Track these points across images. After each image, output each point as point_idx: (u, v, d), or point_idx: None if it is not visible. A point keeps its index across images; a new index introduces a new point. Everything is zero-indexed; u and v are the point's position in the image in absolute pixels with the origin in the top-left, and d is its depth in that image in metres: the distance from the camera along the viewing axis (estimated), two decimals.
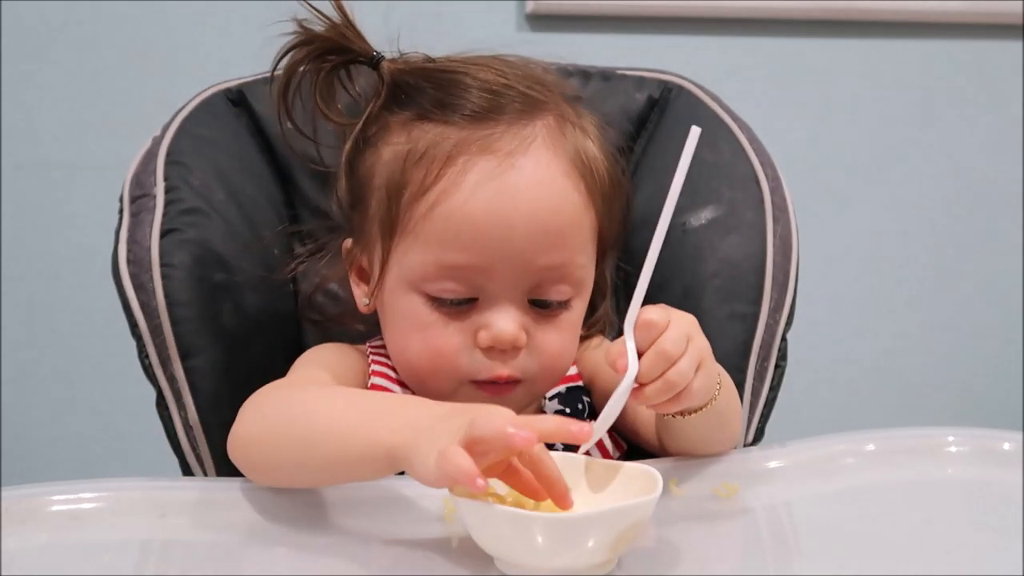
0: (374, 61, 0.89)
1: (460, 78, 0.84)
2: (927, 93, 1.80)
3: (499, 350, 0.82)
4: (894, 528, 0.74)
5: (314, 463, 0.73)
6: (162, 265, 0.88)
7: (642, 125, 1.07)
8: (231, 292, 0.91)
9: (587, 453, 0.85)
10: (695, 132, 0.71)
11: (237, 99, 1.03)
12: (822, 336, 1.80)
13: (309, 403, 0.76)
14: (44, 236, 1.61)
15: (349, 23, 0.88)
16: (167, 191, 0.92)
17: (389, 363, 0.90)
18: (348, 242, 0.91)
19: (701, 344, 0.74)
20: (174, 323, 0.88)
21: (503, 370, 0.82)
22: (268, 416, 0.77)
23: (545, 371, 0.85)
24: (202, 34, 1.59)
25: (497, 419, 0.62)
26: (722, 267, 0.95)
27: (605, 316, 0.97)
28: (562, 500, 0.65)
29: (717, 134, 1.02)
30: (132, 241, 0.90)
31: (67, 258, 1.61)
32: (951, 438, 0.87)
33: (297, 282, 1.02)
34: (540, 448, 0.65)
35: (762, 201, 0.98)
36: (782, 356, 0.97)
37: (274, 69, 0.91)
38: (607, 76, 1.08)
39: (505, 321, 0.81)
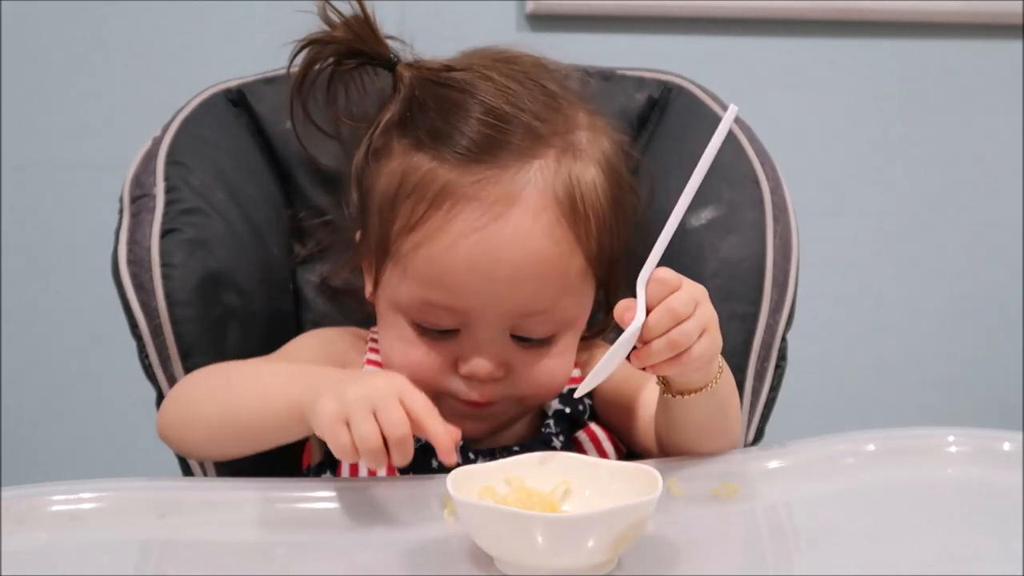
0: (390, 64, 0.88)
1: (467, 100, 0.82)
2: (927, 93, 1.79)
3: (481, 379, 0.83)
4: (894, 528, 0.74)
5: (233, 430, 0.78)
6: (162, 265, 0.89)
7: (642, 125, 1.07)
8: (231, 292, 0.91)
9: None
10: (733, 109, 0.72)
11: (237, 99, 1.03)
12: (822, 336, 1.80)
13: (228, 374, 0.82)
14: (44, 236, 1.61)
15: (369, 24, 0.88)
16: (167, 191, 0.92)
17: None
18: (360, 235, 0.91)
19: (708, 312, 0.74)
20: (174, 323, 0.88)
21: (478, 397, 0.83)
22: (192, 393, 0.83)
23: (532, 393, 0.85)
24: (202, 34, 1.59)
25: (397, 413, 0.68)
26: (722, 267, 0.95)
27: (607, 328, 0.96)
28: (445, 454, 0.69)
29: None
30: (132, 241, 0.90)
31: (67, 258, 1.61)
32: (951, 438, 0.87)
33: (297, 281, 1.02)
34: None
35: (762, 201, 0.98)
36: (782, 356, 0.97)
37: (290, 65, 0.91)
38: (607, 76, 1.07)
39: (482, 357, 0.82)
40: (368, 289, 0.90)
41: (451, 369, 0.83)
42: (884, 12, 1.73)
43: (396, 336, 0.84)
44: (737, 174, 0.99)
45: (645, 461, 0.85)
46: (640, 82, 1.08)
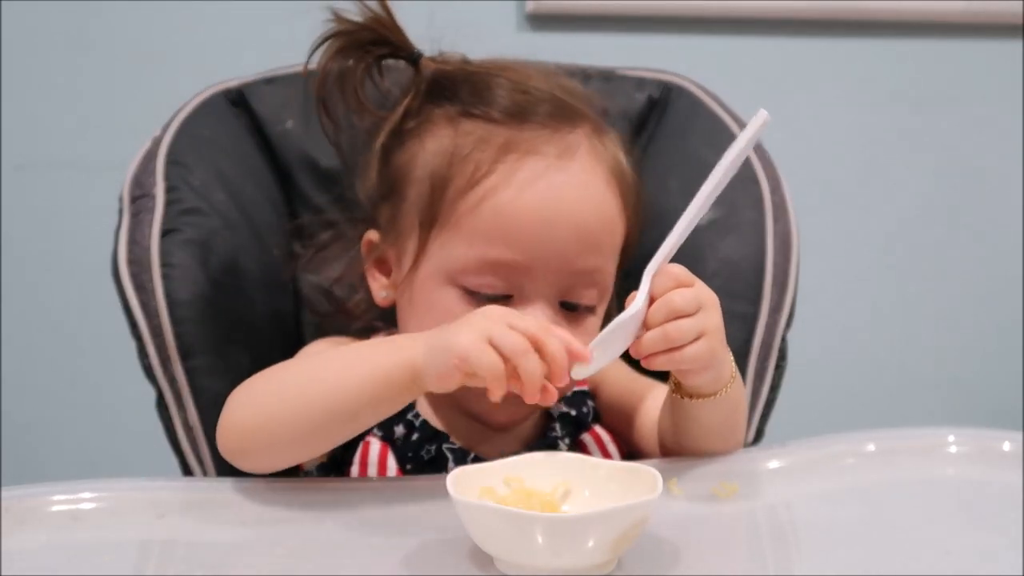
0: (414, 57, 0.89)
1: (497, 80, 0.86)
2: (927, 93, 1.79)
3: None
4: (894, 528, 0.74)
5: (332, 413, 0.73)
6: (162, 265, 0.89)
7: (642, 125, 1.07)
8: (231, 292, 0.91)
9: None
10: (762, 115, 0.73)
11: (237, 99, 1.03)
12: (822, 336, 1.80)
13: (306, 367, 0.78)
14: (44, 236, 1.61)
15: (390, 16, 0.88)
16: (167, 191, 0.92)
17: None
18: (372, 234, 0.91)
19: (712, 318, 0.75)
20: (174, 323, 0.88)
21: None
22: (266, 393, 0.77)
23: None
24: (202, 34, 1.59)
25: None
26: (722, 267, 0.95)
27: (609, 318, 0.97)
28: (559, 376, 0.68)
29: (717, 134, 1.03)
30: (132, 241, 0.90)
31: (67, 258, 1.61)
32: (951, 438, 0.87)
33: (297, 282, 1.02)
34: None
35: (762, 201, 0.98)
36: (782, 356, 0.97)
37: (309, 58, 0.90)
38: (607, 76, 1.08)
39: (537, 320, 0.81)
40: (377, 292, 0.90)
41: None
42: (884, 12, 1.73)
43: (440, 316, 0.82)
44: (737, 174, 0.99)
45: (645, 461, 0.85)
46: (640, 82, 1.08)
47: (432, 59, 0.89)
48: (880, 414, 1.84)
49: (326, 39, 0.88)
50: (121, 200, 0.93)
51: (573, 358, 0.69)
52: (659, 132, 1.06)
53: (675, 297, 0.73)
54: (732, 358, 0.80)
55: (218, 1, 1.58)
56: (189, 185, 0.93)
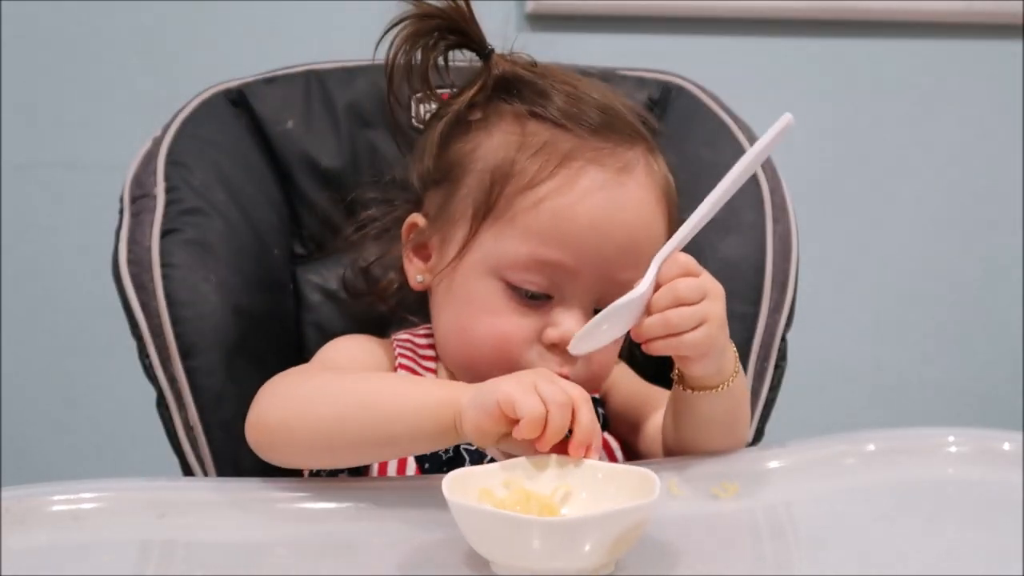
0: (486, 52, 0.90)
1: (565, 88, 0.87)
2: (927, 93, 1.79)
3: (562, 348, 0.82)
4: (894, 528, 0.74)
5: (369, 434, 0.74)
6: (162, 265, 0.88)
7: None
8: (231, 292, 0.91)
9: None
10: (786, 117, 0.76)
11: (237, 99, 1.03)
12: (822, 336, 1.80)
13: (354, 379, 0.79)
14: (44, 236, 1.61)
15: (468, 9, 0.89)
16: (167, 191, 0.92)
17: (417, 356, 0.90)
18: (416, 218, 0.91)
19: (715, 309, 0.76)
20: (174, 323, 0.88)
21: (564, 368, 0.83)
22: (293, 396, 0.78)
23: (592, 379, 0.85)
24: (202, 34, 1.59)
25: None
26: (722, 267, 0.94)
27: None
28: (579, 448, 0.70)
29: (717, 134, 1.03)
30: (132, 241, 0.90)
31: (67, 258, 1.61)
32: (951, 438, 0.87)
33: (297, 282, 1.02)
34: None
35: (762, 201, 0.98)
36: (782, 356, 0.97)
37: (381, 37, 0.90)
38: (607, 76, 1.07)
39: (575, 322, 0.82)
40: (412, 276, 0.90)
41: (535, 340, 0.83)
42: (884, 12, 1.73)
43: (480, 308, 0.84)
44: None
45: (645, 462, 0.85)
46: (640, 82, 1.08)
47: (503, 56, 0.90)
48: (880, 414, 1.84)
49: (402, 20, 0.88)
50: (121, 200, 0.93)
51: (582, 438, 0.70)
52: (659, 132, 1.06)
53: (679, 284, 0.75)
54: (736, 352, 0.81)
55: (218, 1, 1.58)
56: (189, 185, 0.93)
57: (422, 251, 0.90)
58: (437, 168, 0.89)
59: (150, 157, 0.95)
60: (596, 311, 0.83)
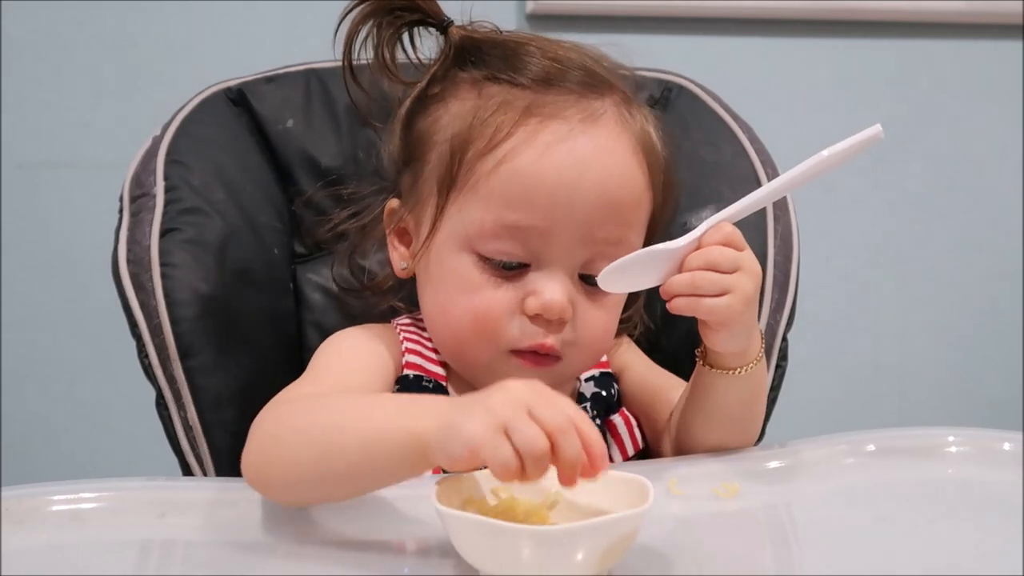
0: (444, 25, 0.88)
1: (528, 47, 0.85)
2: (927, 93, 1.79)
3: (545, 319, 0.81)
4: (894, 528, 0.74)
5: (339, 471, 0.69)
6: (162, 265, 0.88)
7: None
8: (231, 292, 0.91)
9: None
10: (875, 129, 0.77)
11: (237, 99, 1.03)
12: (822, 336, 1.80)
13: (327, 411, 0.73)
14: (44, 236, 1.61)
15: None
16: (167, 191, 0.92)
17: (422, 337, 0.89)
18: (393, 202, 0.90)
19: (744, 284, 0.76)
20: (174, 323, 0.88)
21: (546, 339, 0.81)
22: (284, 432, 0.73)
23: (584, 349, 0.84)
24: (202, 34, 1.59)
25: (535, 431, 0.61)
26: None
27: (637, 312, 0.96)
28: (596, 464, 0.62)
29: (718, 134, 1.03)
30: (132, 241, 0.90)
31: (67, 258, 1.61)
32: (951, 438, 0.87)
33: (297, 281, 1.02)
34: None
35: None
36: (782, 356, 0.97)
37: (341, 21, 0.89)
38: None
39: (555, 290, 0.80)
40: (397, 263, 0.89)
41: (517, 311, 0.81)
42: (884, 12, 1.73)
43: (456, 285, 0.82)
44: (738, 174, 0.99)
45: (646, 462, 0.85)
46: (640, 82, 1.08)
47: (462, 27, 0.88)
48: (880, 414, 1.84)
49: (359, 3, 0.88)
50: (121, 200, 0.93)
51: (589, 461, 0.61)
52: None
53: (715, 250, 0.76)
54: (762, 342, 0.81)
55: (218, 1, 1.58)
56: (189, 184, 0.93)
57: (404, 236, 0.90)
58: (404, 149, 0.89)
59: (150, 156, 0.95)
60: (580, 276, 0.82)
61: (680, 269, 0.77)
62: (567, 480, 0.61)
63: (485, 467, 0.62)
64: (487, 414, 0.61)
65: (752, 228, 0.96)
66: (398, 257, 0.90)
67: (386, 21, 0.88)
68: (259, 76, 1.04)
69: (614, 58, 0.89)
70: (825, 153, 0.77)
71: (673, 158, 0.90)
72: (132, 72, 1.59)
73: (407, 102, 0.89)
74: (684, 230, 0.95)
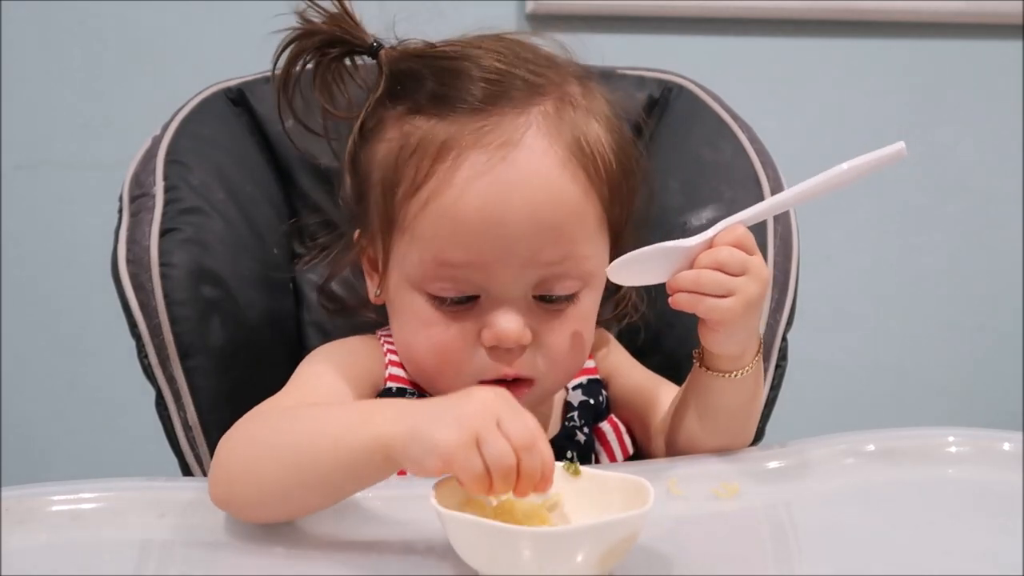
0: (373, 50, 0.86)
1: (459, 65, 0.81)
2: (927, 93, 1.79)
3: (503, 349, 0.80)
4: (894, 528, 0.74)
5: (309, 482, 0.69)
6: (161, 265, 0.88)
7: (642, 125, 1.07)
8: (231, 292, 0.91)
9: (593, 459, 0.84)
10: (899, 146, 0.79)
11: (237, 98, 1.03)
12: (822, 336, 1.80)
13: (294, 422, 0.73)
14: (44, 236, 1.61)
15: (347, 13, 0.86)
16: (167, 190, 0.92)
17: None
18: (357, 233, 0.89)
19: (749, 287, 0.76)
20: (173, 323, 0.88)
21: (508, 369, 0.80)
22: (253, 447, 0.72)
23: (555, 368, 0.83)
24: (202, 34, 1.59)
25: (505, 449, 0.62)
26: None
27: (629, 297, 0.95)
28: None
29: (718, 134, 1.03)
30: (132, 241, 0.90)
31: (67, 258, 1.61)
32: (951, 438, 0.87)
33: (297, 281, 1.02)
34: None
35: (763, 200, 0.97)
36: (782, 356, 0.97)
37: (275, 64, 0.88)
38: (607, 76, 1.07)
39: (506, 320, 0.79)
40: (371, 290, 0.88)
41: (475, 344, 0.80)
42: (884, 12, 1.73)
43: (414, 320, 0.81)
44: (738, 174, 0.99)
45: (647, 462, 0.85)
46: (640, 82, 1.08)
47: (392, 48, 0.86)
48: (880, 414, 1.84)
49: (287, 45, 0.86)
50: (121, 200, 0.93)
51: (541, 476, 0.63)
52: (659, 131, 1.06)
53: (723, 251, 0.76)
54: (760, 347, 0.82)
55: (218, 1, 1.58)
56: (189, 184, 0.93)
57: (374, 264, 0.88)
58: (353, 186, 0.87)
59: (149, 156, 0.95)
60: (535, 297, 0.80)
61: (690, 267, 0.77)
62: (521, 493, 0.63)
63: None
64: (458, 426, 0.62)
65: (752, 228, 0.96)
66: (372, 285, 0.89)
67: (315, 59, 0.86)
68: (259, 76, 1.04)
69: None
70: (845, 166, 0.77)
71: (633, 147, 0.87)
72: (132, 72, 1.59)
73: (351, 138, 0.87)
74: (684, 230, 0.96)
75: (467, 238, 0.77)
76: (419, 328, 0.81)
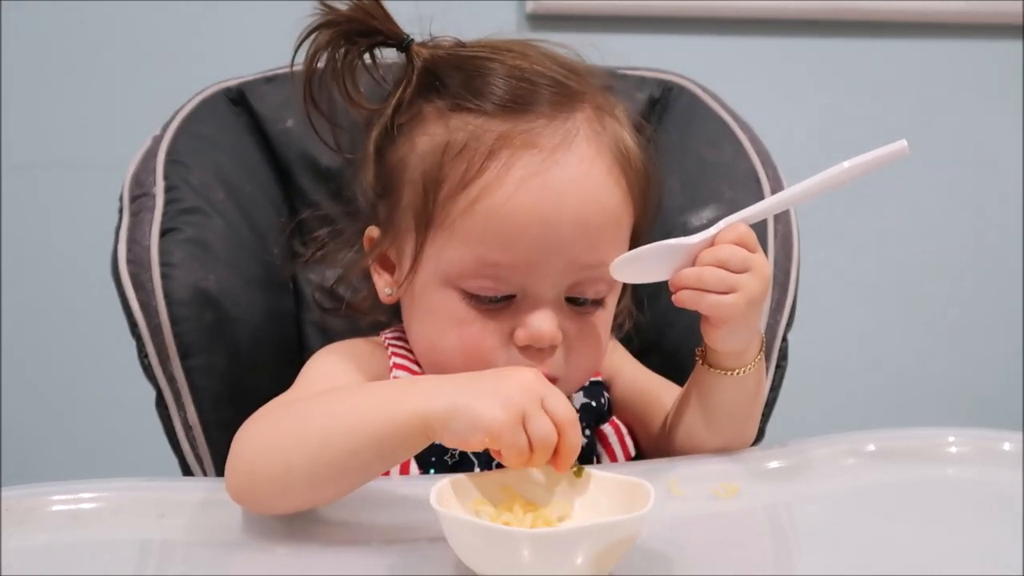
0: (404, 44, 0.85)
1: (492, 65, 0.81)
2: (927, 93, 1.79)
3: (536, 349, 0.80)
4: (894, 528, 0.74)
5: (339, 463, 0.69)
6: (162, 264, 0.88)
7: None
8: (231, 292, 0.91)
9: (595, 460, 0.84)
10: (900, 144, 0.80)
11: (237, 98, 1.03)
12: (822, 336, 1.80)
13: (318, 407, 0.72)
14: (44, 236, 1.61)
15: (377, 3, 0.84)
16: (167, 190, 0.92)
17: (409, 352, 0.88)
18: (372, 230, 0.88)
19: (750, 285, 0.77)
20: (173, 322, 0.88)
21: (540, 368, 0.80)
22: (276, 436, 0.71)
23: (580, 368, 0.83)
24: (202, 34, 1.59)
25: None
26: None
27: (626, 308, 0.95)
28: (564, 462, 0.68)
29: (718, 134, 1.03)
30: (132, 240, 0.90)
31: (67, 258, 1.61)
32: (951, 438, 0.87)
33: (297, 281, 1.02)
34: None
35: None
36: (782, 356, 0.97)
37: (296, 51, 0.85)
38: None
39: (543, 320, 0.79)
40: (381, 289, 0.87)
41: (507, 343, 0.80)
42: (884, 12, 1.73)
43: (444, 320, 0.81)
44: (738, 173, 0.99)
45: (645, 463, 0.85)
46: (640, 82, 1.08)
47: (424, 44, 0.85)
48: (880, 414, 1.84)
49: (312, 31, 0.84)
50: (121, 199, 0.93)
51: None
52: (659, 131, 1.06)
53: (724, 249, 0.76)
54: (763, 345, 0.82)
55: (218, 1, 1.58)
56: (189, 184, 0.93)
57: (386, 263, 0.87)
58: (378, 180, 0.86)
59: (149, 156, 0.95)
60: (566, 299, 0.81)
61: (692, 265, 0.77)
62: (562, 467, 0.67)
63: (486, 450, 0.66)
64: (506, 403, 0.66)
65: (753, 228, 0.96)
66: (382, 283, 0.87)
67: (345, 48, 0.85)
68: (259, 76, 1.04)
69: (586, 55, 0.87)
70: (846, 164, 0.77)
71: (650, 152, 0.88)
72: (132, 72, 1.59)
73: (374, 133, 0.86)
74: (684, 229, 0.96)
75: (515, 238, 0.78)
76: (450, 325, 0.81)
